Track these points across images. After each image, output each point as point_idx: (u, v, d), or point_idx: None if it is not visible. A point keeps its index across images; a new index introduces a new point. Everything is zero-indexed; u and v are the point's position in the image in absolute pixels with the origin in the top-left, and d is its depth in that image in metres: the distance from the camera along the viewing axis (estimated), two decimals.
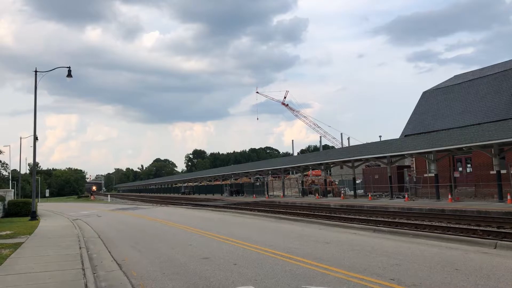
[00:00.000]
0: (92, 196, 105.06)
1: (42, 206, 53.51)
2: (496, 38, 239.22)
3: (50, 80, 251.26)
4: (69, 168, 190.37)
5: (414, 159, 37.46)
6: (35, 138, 29.36)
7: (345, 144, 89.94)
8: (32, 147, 29.03)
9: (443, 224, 17.81)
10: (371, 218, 21.17)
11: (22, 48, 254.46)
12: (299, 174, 52.83)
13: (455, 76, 42.94)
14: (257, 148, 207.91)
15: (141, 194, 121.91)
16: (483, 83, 36.06)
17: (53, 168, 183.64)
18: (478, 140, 25.86)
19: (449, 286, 7.57)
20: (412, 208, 24.77)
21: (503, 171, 27.67)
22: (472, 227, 16.27)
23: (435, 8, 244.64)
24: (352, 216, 22.77)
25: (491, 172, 28.77)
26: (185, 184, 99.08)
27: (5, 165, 53.40)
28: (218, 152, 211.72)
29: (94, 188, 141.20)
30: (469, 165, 33.54)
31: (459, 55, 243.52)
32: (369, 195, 36.18)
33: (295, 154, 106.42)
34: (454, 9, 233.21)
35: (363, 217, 21.89)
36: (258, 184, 64.81)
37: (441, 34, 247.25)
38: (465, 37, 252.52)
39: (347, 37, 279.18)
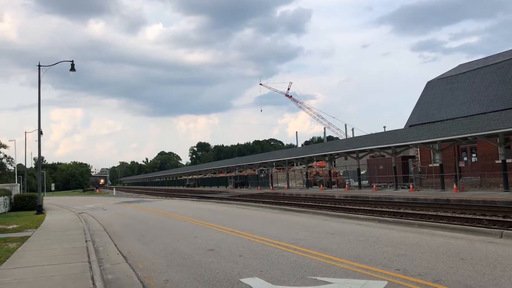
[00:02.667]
0: (97, 190, 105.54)
1: (48, 200, 53.85)
2: (501, 27, 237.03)
3: (54, 74, 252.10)
4: (74, 162, 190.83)
5: (418, 149, 37.33)
6: (40, 133, 29.43)
7: (350, 135, 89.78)
8: (37, 142, 29.14)
9: (448, 214, 17.76)
10: (376, 209, 21.14)
11: (26, 43, 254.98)
12: (304, 165, 52.79)
13: (460, 66, 42.60)
14: (261, 140, 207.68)
15: (146, 187, 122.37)
16: (488, 72, 35.77)
17: (58, 162, 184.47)
18: (483, 129, 25.71)
19: (455, 275, 7.56)
20: (417, 198, 24.73)
21: (508, 161, 27.53)
22: (477, 217, 16.21)
23: None
24: (357, 207, 22.76)
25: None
26: (190, 177, 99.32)
27: (10, 160, 53.60)
28: (222, 145, 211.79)
29: (101, 181, 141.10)
30: (474, 155, 33.40)
31: (463, 44, 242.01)
32: (374, 186, 36.13)
33: (299, 145, 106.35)
34: None
35: (368, 208, 21.88)
36: (262, 176, 64.84)
37: (446, 23, 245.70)
38: (470, 26, 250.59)
39: (351, 28, 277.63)
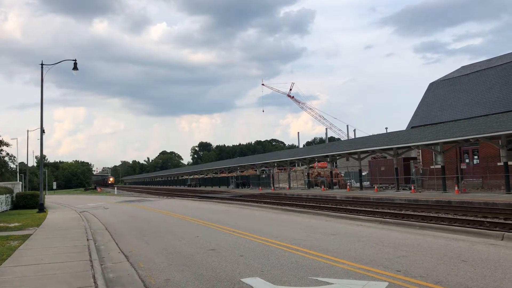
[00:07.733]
0: (98, 189, 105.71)
1: (50, 199, 53.98)
2: (506, 28, 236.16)
3: (58, 73, 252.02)
4: (76, 160, 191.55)
5: (420, 150, 37.29)
6: (42, 131, 29.53)
7: (351, 136, 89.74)
8: (40, 140, 29.22)
9: (449, 216, 17.73)
10: (377, 210, 21.13)
11: (30, 42, 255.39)
12: (305, 166, 52.81)
13: (463, 67, 42.55)
14: (263, 140, 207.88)
15: (148, 186, 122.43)
16: (491, 74, 35.72)
17: (60, 161, 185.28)
18: (485, 131, 25.68)
19: (456, 277, 7.56)
20: (418, 200, 24.70)
21: (510, 163, 27.44)
22: (479, 219, 16.19)
23: None
24: (359, 208, 22.73)
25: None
26: (191, 177, 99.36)
27: (12, 158, 53.66)
28: (224, 145, 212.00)
29: (111, 179, 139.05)
30: (476, 157, 33.34)
31: (467, 46, 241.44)
32: (375, 187, 36.11)
33: (301, 146, 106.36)
34: None
35: (369, 209, 21.85)
36: (264, 176, 64.86)
37: (449, 25, 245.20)
38: (474, 27, 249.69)
39: (354, 28, 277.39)
